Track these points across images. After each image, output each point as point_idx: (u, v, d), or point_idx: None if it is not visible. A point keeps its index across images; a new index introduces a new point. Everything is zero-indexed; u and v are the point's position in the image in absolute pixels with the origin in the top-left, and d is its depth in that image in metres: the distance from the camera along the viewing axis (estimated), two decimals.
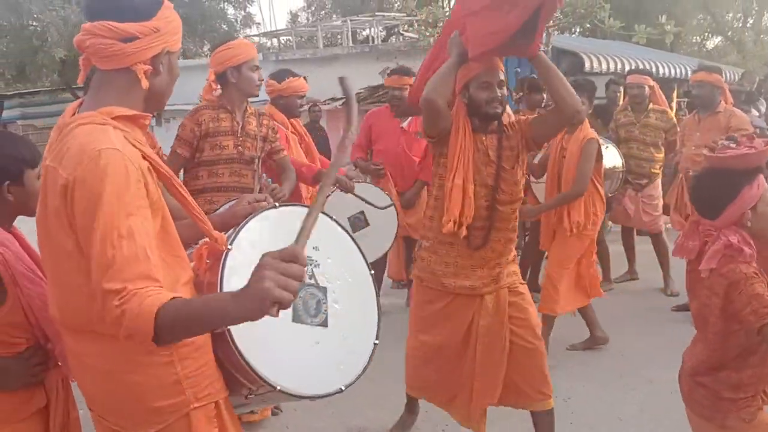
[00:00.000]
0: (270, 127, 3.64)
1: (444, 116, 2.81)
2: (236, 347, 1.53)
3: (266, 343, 1.58)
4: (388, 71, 5.42)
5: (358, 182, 4.39)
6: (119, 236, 1.38)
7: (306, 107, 11.02)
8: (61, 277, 1.52)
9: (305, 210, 1.87)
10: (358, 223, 4.30)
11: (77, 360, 1.62)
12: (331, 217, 1.87)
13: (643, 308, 5.35)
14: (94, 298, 1.39)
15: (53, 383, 1.90)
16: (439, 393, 3.14)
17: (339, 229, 1.89)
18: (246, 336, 1.54)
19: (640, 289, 5.89)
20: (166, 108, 1.78)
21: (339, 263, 1.81)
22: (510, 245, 2.98)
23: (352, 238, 1.91)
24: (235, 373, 1.61)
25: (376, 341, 1.81)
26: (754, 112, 7.41)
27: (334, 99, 12.03)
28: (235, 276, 1.56)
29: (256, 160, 3.51)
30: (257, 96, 3.55)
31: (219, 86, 3.47)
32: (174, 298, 1.36)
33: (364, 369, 1.76)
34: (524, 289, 3.02)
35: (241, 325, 1.45)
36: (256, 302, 1.27)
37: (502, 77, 2.86)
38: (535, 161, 4.76)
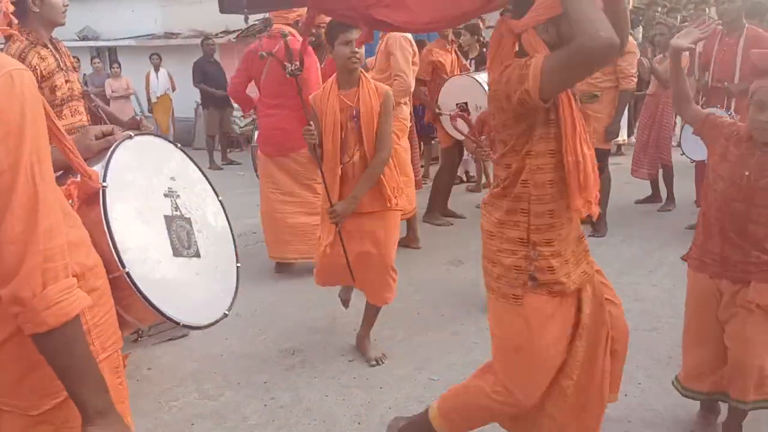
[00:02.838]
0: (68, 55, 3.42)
1: None
2: (140, 291, 1.49)
3: (160, 282, 1.57)
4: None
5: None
6: (44, 186, 1.21)
7: (198, 41, 10.58)
8: None
9: (153, 137, 1.81)
10: (462, 111, 4.99)
11: None
12: (176, 145, 1.84)
13: None
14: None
15: None
16: None
17: (184, 156, 1.86)
18: (143, 277, 1.50)
19: None
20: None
21: (193, 192, 1.80)
22: None
23: (194, 163, 1.88)
24: (128, 317, 1.55)
25: (239, 264, 1.86)
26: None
27: (227, 32, 11.58)
28: (114, 213, 1.51)
29: (86, 94, 3.39)
30: (63, 24, 3.22)
31: (16, 17, 3.13)
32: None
33: (236, 292, 1.81)
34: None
35: (136, 266, 1.48)
36: None
37: None
38: None
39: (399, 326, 3.94)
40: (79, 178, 1.52)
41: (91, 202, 1.50)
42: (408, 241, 5.25)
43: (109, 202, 1.50)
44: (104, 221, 1.47)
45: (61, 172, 1.59)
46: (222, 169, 9.91)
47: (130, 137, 1.68)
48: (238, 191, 7.92)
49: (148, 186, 1.65)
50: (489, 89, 2.19)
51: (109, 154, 1.59)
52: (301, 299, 4.39)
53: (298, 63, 3.37)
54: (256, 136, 5.84)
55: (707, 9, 7.59)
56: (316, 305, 4.21)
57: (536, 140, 2.10)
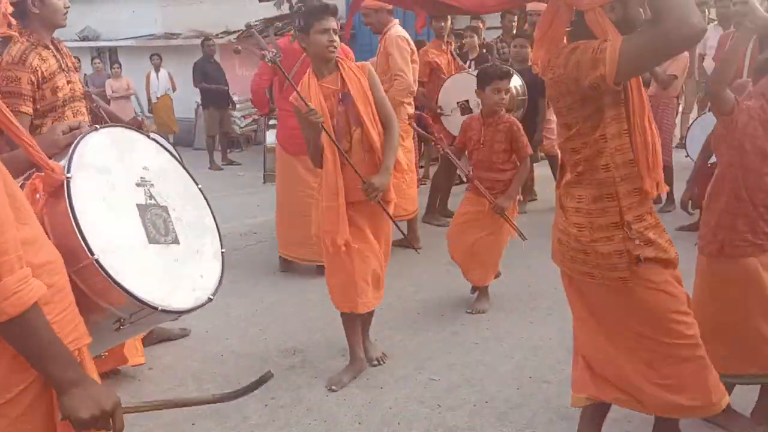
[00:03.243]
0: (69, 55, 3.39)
1: None
2: (111, 276, 1.50)
3: (134, 268, 1.58)
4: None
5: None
6: None
7: (198, 42, 10.58)
8: None
9: (122, 128, 1.82)
10: (464, 109, 5.00)
11: None
12: (148, 136, 1.86)
13: (546, 224, 5.75)
14: None
15: None
16: None
17: (159, 146, 1.88)
18: (115, 264, 1.52)
19: (540, 209, 6.32)
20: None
21: (168, 180, 1.81)
22: None
23: (169, 152, 1.89)
24: (104, 304, 1.56)
25: (223, 250, 1.88)
26: None
27: (227, 32, 11.57)
28: (80, 203, 1.52)
29: (87, 95, 3.38)
30: (64, 26, 3.20)
31: (16, 18, 3.08)
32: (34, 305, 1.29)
33: (221, 278, 1.82)
34: None
35: (108, 254, 1.50)
36: (86, 405, 1.32)
37: None
38: None
39: (399, 326, 3.94)
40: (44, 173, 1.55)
41: (57, 195, 1.53)
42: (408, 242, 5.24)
43: (74, 193, 1.52)
44: (70, 211, 1.49)
45: (32, 170, 1.62)
46: (222, 169, 9.90)
47: (96, 130, 1.70)
48: (239, 191, 7.93)
49: (115, 176, 1.67)
50: (550, 74, 2.14)
51: (72, 146, 1.62)
52: (301, 299, 4.40)
53: (274, 50, 3.34)
54: (269, 136, 5.78)
55: (707, 10, 7.57)
56: (316, 305, 4.21)
57: (608, 122, 2.08)
